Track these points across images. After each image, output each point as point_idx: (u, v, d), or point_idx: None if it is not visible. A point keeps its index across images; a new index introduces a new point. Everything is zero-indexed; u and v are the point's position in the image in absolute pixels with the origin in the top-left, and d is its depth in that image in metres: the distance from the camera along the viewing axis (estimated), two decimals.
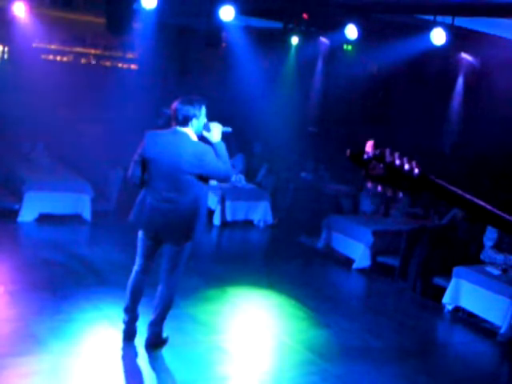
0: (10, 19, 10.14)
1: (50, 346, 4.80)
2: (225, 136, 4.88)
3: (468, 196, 1.82)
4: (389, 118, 12.73)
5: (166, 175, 4.67)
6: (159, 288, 4.92)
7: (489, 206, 1.82)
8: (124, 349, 4.93)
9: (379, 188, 1.80)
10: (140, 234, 4.92)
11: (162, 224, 4.76)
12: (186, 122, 4.69)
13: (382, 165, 1.75)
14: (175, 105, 4.72)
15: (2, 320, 5.25)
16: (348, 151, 1.77)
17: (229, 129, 4.88)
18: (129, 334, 5.01)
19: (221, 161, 4.72)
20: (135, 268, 4.99)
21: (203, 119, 4.78)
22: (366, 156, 1.75)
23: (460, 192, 1.81)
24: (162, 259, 4.90)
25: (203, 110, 4.77)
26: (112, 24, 9.42)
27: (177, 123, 4.72)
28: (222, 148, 4.80)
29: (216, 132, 4.79)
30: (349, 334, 5.89)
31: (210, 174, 4.73)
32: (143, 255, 4.94)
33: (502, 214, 1.83)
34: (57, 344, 4.85)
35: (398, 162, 1.75)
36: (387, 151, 1.76)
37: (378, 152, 1.75)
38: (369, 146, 1.77)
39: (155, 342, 4.99)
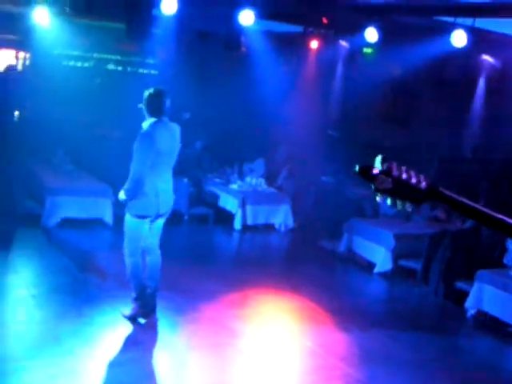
0: (32, 26, 10.25)
1: (72, 348, 4.84)
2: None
3: (478, 206, 1.86)
4: (409, 122, 12.65)
5: (169, 159, 5.35)
6: (148, 259, 5.48)
7: (500, 216, 1.82)
8: (145, 351, 4.96)
9: (388, 201, 1.86)
10: (140, 222, 5.27)
11: (171, 197, 5.47)
12: (167, 112, 5.28)
13: (390, 179, 1.82)
14: (164, 98, 5.20)
15: (27, 323, 5.30)
16: (357, 166, 1.85)
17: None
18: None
19: None
20: (136, 257, 5.39)
21: None
22: (374, 171, 1.82)
23: (469, 202, 1.85)
24: (152, 233, 5.45)
25: None
26: (131, 30, 9.45)
27: (164, 114, 5.24)
28: None
29: None
30: (370, 338, 5.85)
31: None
32: (142, 239, 5.35)
33: None
34: (79, 346, 4.89)
35: (404, 175, 1.82)
36: (394, 166, 1.83)
37: (385, 167, 1.83)
38: (377, 161, 1.84)
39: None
